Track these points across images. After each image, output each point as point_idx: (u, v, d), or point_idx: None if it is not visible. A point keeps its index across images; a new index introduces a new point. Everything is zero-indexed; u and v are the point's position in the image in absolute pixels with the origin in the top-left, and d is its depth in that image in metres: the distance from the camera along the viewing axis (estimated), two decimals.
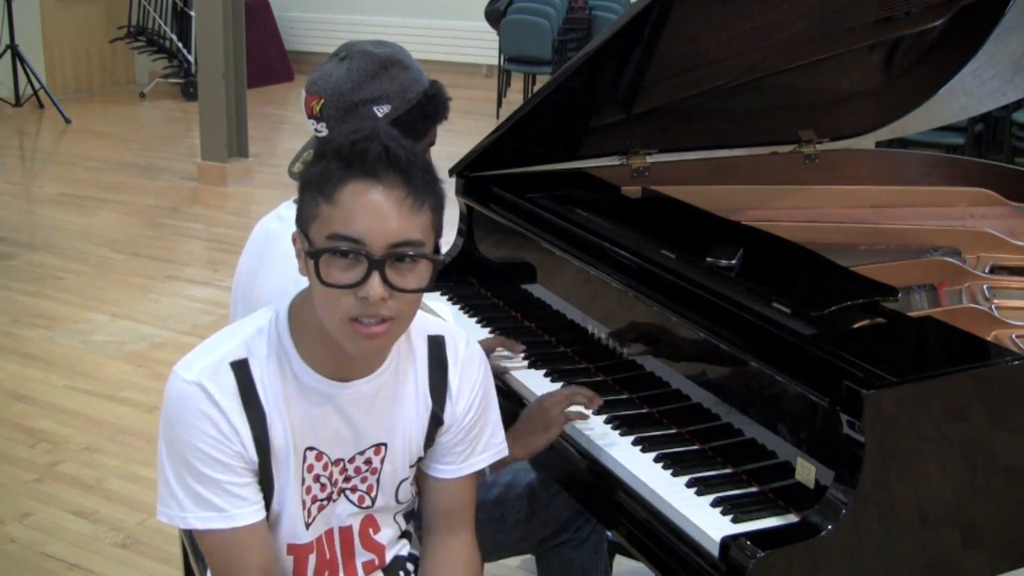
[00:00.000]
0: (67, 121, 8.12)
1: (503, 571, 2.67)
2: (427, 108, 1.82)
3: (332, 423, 1.45)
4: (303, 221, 1.36)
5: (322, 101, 1.79)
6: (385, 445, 1.50)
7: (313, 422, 1.44)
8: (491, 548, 1.99)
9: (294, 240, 1.40)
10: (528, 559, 2.50)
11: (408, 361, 1.51)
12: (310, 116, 1.80)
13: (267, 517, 1.45)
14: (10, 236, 5.49)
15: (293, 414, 1.42)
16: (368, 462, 1.50)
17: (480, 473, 1.67)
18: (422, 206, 1.34)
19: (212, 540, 1.42)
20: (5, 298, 4.66)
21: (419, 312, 1.44)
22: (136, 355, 4.09)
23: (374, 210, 1.31)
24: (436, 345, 1.54)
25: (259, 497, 1.42)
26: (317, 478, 1.47)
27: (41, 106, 8.42)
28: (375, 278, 1.31)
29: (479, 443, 1.59)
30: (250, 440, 1.39)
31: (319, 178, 1.33)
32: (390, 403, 1.49)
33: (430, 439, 1.55)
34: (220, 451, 1.38)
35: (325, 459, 1.46)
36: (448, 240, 2.49)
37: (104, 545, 2.85)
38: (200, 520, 1.40)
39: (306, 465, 1.45)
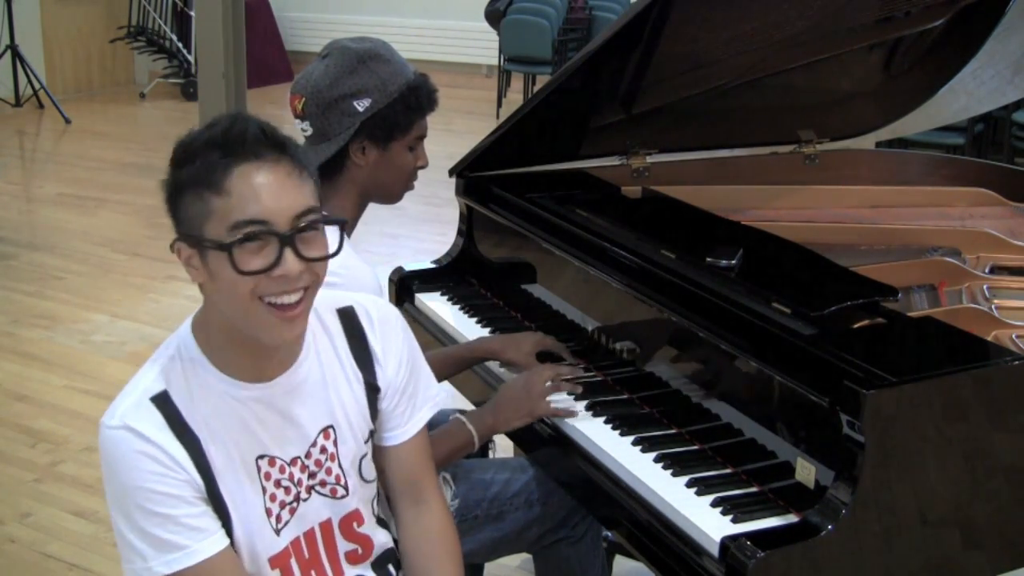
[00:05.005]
0: (67, 121, 8.12)
1: (503, 571, 2.67)
2: (409, 100, 1.83)
3: (273, 424, 1.43)
4: (189, 224, 1.32)
5: (303, 100, 1.81)
6: (332, 427, 1.49)
7: (253, 431, 1.42)
8: (490, 546, 1.99)
9: (178, 252, 1.36)
10: (528, 559, 2.50)
11: (325, 340, 1.50)
12: (295, 116, 1.83)
13: (232, 542, 1.41)
14: (10, 236, 5.49)
15: (229, 430, 1.40)
16: (323, 450, 1.49)
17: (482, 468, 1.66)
18: (303, 174, 1.35)
19: None
20: (5, 298, 4.66)
21: (320, 290, 1.42)
22: (136, 355, 4.08)
23: (268, 188, 1.31)
24: (347, 316, 1.53)
25: (217, 525, 1.39)
26: (278, 483, 1.45)
27: (41, 106, 8.41)
28: (289, 254, 1.30)
29: (416, 399, 1.59)
30: (192, 467, 1.37)
31: (198, 175, 1.32)
32: (321, 386, 1.48)
33: (373, 409, 1.54)
34: (167, 484, 1.35)
35: (280, 463, 1.44)
36: (448, 240, 2.50)
37: (104, 545, 2.85)
38: (165, 565, 1.36)
39: (262, 474, 1.43)
